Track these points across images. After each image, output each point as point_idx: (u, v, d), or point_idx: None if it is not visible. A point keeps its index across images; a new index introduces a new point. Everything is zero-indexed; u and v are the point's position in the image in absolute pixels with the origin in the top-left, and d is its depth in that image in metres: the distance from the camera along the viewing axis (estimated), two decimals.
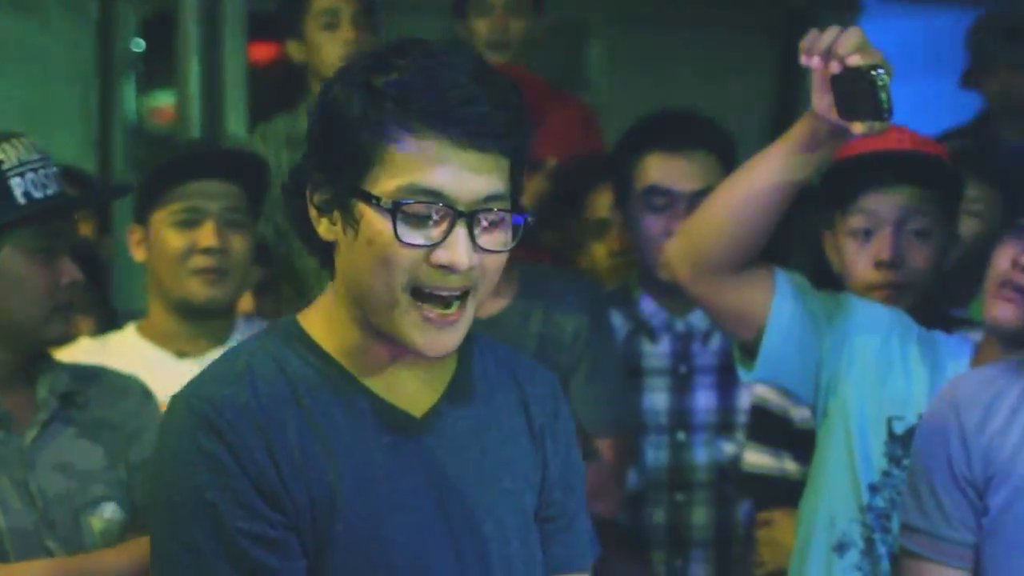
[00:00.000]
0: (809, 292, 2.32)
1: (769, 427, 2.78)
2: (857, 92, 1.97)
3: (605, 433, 2.70)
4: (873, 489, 2.31)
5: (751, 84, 5.64)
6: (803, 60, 2.03)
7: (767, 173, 2.16)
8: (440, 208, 1.55)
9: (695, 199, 2.70)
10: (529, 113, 1.62)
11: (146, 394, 2.43)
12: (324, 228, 1.61)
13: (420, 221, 1.55)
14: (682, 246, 2.29)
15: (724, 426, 2.90)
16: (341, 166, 1.57)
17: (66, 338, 2.32)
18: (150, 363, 2.63)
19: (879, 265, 2.44)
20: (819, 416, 2.37)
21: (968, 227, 2.73)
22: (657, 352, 2.92)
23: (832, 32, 2.00)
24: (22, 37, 4.95)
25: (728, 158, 2.85)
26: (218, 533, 1.55)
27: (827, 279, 2.60)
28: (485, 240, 1.58)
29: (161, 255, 2.66)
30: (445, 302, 1.58)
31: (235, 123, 3.75)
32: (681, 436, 2.90)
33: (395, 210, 1.54)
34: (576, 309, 2.73)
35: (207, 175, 2.65)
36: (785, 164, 2.15)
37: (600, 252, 3.35)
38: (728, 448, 2.88)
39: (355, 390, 1.63)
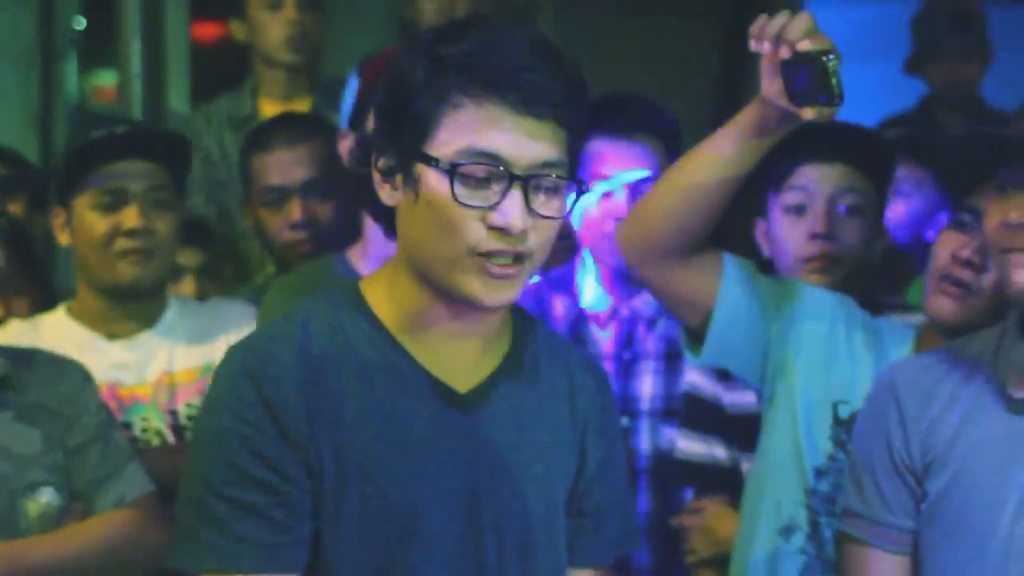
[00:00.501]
0: (757, 277, 2.34)
1: (700, 414, 2.78)
2: (808, 78, 1.97)
3: None
4: (819, 473, 2.32)
5: (697, 69, 5.65)
6: (752, 45, 2.03)
7: (716, 158, 2.17)
8: (497, 171, 1.61)
9: (638, 184, 2.70)
10: (587, 89, 1.69)
11: (85, 377, 2.41)
12: (387, 193, 1.69)
13: (477, 183, 1.62)
14: (631, 230, 2.29)
15: (667, 413, 2.89)
16: (404, 131, 1.64)
17: None
18: (80, 344, 2.62)
19: (813, 237, 2.47)
20: (765, 401, 2.38)
21: (897, 210, 2.76)
22: (602, 338, 2.91)
23: (782, 18, 2.00)
24: None
25: (672, 143, 2.84)
26: (230, 477, 1.63)
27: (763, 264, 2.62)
28: (540, 206, 1.64)
29: (85, 239, 2.63)
30: (503, 257, 1.64)
31: (177, 102, 3.72)
32: (625, 422, 2.89)
33: (453, 171, 1.61)
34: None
35: (127, 155, 2.62)
36: (734, 149, 2.15)
37: None
38: (671, 435, 2.88)
39: (403, 361, 1.70)
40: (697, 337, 2.32)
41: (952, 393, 1.99)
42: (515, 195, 1.62)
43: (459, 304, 1.68)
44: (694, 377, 2.78)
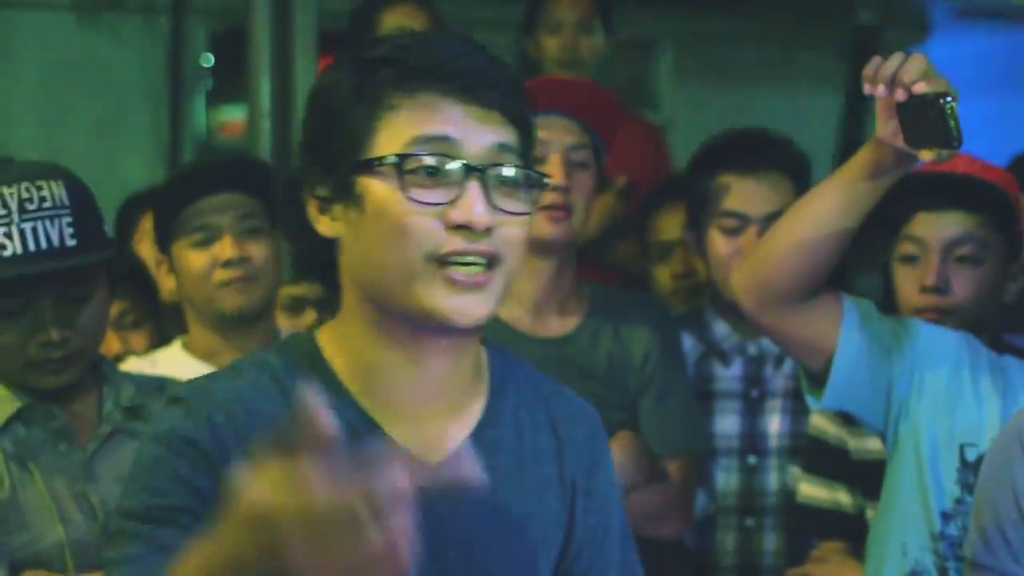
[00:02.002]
0: (876, 319, 2.30)
1: (825, 459, 2.74)
2: (924, 119, 1.95)
3: (673, 454, 2.67)
4: (946, 517, 2.27)
5: (820, 102, 5.61)
6: (867, 89, 2.02)
7: (832, 201, 2.14)
8: (450, 160, 1.45)
9: (768, 222, 2.66)
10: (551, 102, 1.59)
11: None
12: (326, 225, 1.51)
13: (430, 178, 1.45)
14: (747, 276, 2.26)
15: (795, 451, 2.86)
16: (339, 150, 1.48)
17: (67, 385, 2.25)
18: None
19: (924, 290, 2.41)
20: (889, 443, 2.34)
21: None
22: (728, 375, 2.89)
23: (896, 59, 1.98)
24: (94, 53, 5.00)
25: (802, 179, 2.82)
26: (152, 499, 1.45)
27: (891, 302, 2.57)
28: (501, 201, 1.48)
29: (187, 277, 2.68)
30: (470, 262, 1.46)
31: None
32: (752, 460, 2.87)
33: (401, 165, 1.45)
34: (646, 330, 2.71)
35: (213, 190, 2.66)
36: (850, 192, 2.13)
37: (664, 275, 3.33)
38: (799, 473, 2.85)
39: (365, 430, 1.49)
40: (818, 381, 2.28)
41: None
42: (473, 187, 1.45)
43: (421, 341, 1.49)
44: (819, 420, 2.74)
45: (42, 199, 2.16)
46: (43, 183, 2.17)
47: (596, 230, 3.36)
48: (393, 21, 3.62)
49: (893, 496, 2.33)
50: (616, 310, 2.71)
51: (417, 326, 1.48)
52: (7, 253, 2.13)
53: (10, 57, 4.89)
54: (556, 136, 2.55)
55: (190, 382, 1.57)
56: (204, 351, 2.73)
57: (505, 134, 1.49)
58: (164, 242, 2.72)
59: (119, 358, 2.82)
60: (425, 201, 1.45)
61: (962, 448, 2.27)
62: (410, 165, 1.45)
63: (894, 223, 2.45)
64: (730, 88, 5.64)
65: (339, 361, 1.53)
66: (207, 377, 1.57)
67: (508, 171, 1.48)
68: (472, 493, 1.43)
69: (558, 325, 2.64)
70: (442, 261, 1.45)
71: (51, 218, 2.17)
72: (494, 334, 2.57)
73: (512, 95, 1.51)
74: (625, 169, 3.47)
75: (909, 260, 2.44)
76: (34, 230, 2.14)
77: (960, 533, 2.23)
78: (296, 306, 3.21)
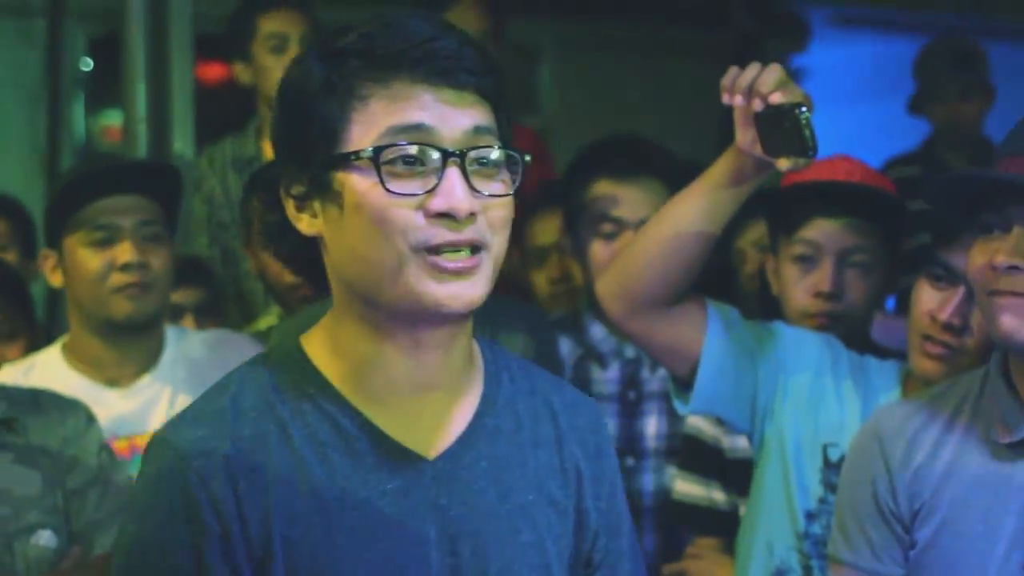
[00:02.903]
0: (741, 323, 2.33)
1: (700, 457, 2.77)
2: (781, 129, 1.98)
3: None
4: (810, 516, 2.31)
5: (700, 109, 5.67)
6: (725, 99, 2.05)
7: (694, 209, 2.17)
8: (427, 148, 1.43)
9: (643, 226, 2.70)
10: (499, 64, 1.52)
11: (88, 419, 2.40)
12: (306, 223, 1.49)
13: (408, 169, 1.43)
14: (612, 283, 2.28)
15: (672, 452, 2.88)
16: (313, 145, 1.46)
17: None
18: (77, 395, 2.54)
19: (818, 295, 2.44)
20: (756, 445, 2.37)
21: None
22: (606, 378, 2.91)
23: (753, 70, 2.02)
24: None
25: (677, 185, 2.82)
26: None
27: (767, 302, 2.61)
28: (482, 185, 1.45)
29: (79, 277, 2.60)
30: (456, 249, 1.44)
31: (182, 144, 3.72)
32: (630, 462, 2.89)
33: (378, 158, 1.43)
34: (522, 335, 2.72)
35: (116, 191, 2.59)
36: (711, 199, 2.16)
37: (541, 279, 3.34)
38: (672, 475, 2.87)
39: (358, 427, 1.47)
40: (685, 386, 2.31)
41: (937, 440, 1.98)
42: (453, 173, 1.43)
43: (415, 331, 1.47)
44: (695, 419, 2.77)
45: None
46: None
47: None
48: (271, 26, 3.60)
49: (759, 496, 2.37)
50: (492, 316, 2.71)
51: (410, 318, 1.46)
52: None
53: None
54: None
55: (182, 423, 1.49)
56: (87, 360, 2.66)
57: (480, 115, 1.46)
58: (55, 236, 2.64)
59: None
60: (404, 192, 1.42)
61: (825, 448, 2.31)
62: (387, 157, 1.43)
63: (788, 225, 2.48)
64: (609, 95, 5.67)
65: (330, 365, 1.50)
66: (199, 406, 1.51)
67: (486, 153, 1.46)
68: (475, 485, 1.50)
69: None
70: (427, 252, 1.43)
71: None
72: None
73: (484, 74, 1.47)
74: None
75: (802, 262, 2.46)
76: None
77: (824, 532, 2.27)
78: (174, 313, 3.17)
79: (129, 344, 2.66)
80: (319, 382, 1.49)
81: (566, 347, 2.92)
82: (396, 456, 1.47)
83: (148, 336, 2.68)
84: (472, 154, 1.45)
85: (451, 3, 3.78)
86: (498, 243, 1.48)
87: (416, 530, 1.46)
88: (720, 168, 2.14)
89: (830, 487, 2.28)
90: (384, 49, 1.44)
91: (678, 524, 2.84)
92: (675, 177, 2.88)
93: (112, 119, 5.20)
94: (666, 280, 2.21)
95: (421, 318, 1.46)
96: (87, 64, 5.18)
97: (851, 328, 2.47)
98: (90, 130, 5.32)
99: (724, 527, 2.68)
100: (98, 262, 2.58)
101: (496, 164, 1.47)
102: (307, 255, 1.53)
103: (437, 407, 1.51)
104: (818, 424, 2.31)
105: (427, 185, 1.43)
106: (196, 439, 1.44)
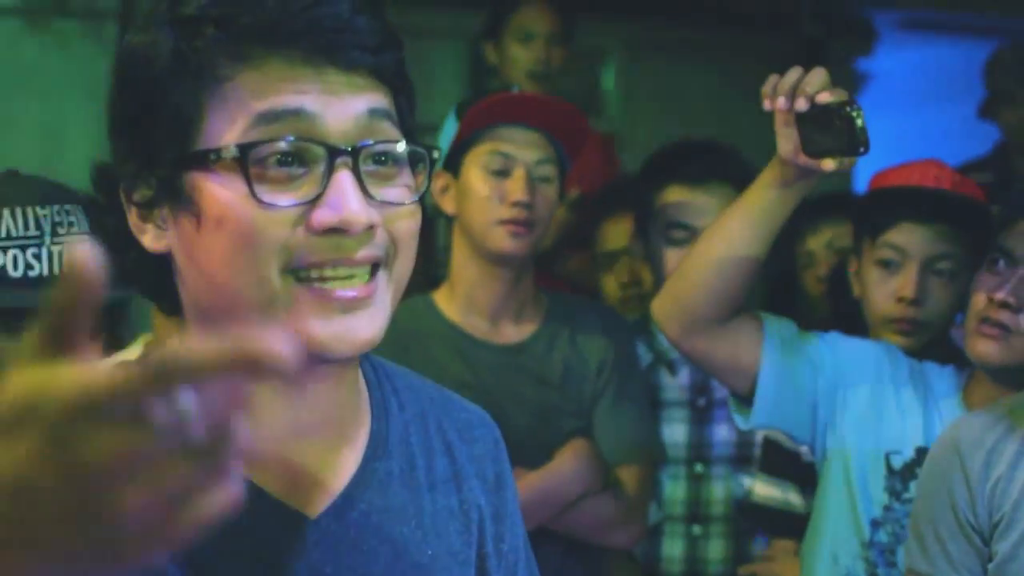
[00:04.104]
0: (797, 337, 2.33)
1: (778, 460, 2.77)
2: (828, 129, 1.98)
3: (628, 463, 2.69)
4: (875, 524, 2.30)
5: (765, 114, 5.65)
6: (766, 105, 2.05)
7: (742, 224, 2.18)
8: (308, 145, 1.11)
9: (694, 244, 2.71)
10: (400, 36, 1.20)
11: None
12: (151, 238, 1.18)
13: (283, 170, 1.12)
14: (667, 304, 2.28)
15: (742, 459, 2.88)
16: (159, 138, 1.14)
17: None
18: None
19: (900, 300, 2.43)
20: (818, 455, 2.37)
21: None
22: (676, 384, 2.91)
23: (795, 73, 2.02)
24: (41, 59, 4.97)
25: None
26: None
27: (845, 302, 2.60)
28: (380, 189, 1.15)
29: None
30: (349, 275, 1.14)
31: None
32: (699, 468, 2.89)
33: (244, 157, 1.10)
34: (602, 338, 2.72)
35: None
36: (758, 211, 2.17)
37: (611, 284, 3.34)
38: (746, 481, 2.87)
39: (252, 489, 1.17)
40: (745, 401, 2.31)
41: (1018, 451, 1.97)
42: (343, 176, 1.12)
43: (290, 380, 1.07)
44: None
45: (70, 224, 2.06)
46: (71, 208, 2.08)
47: (549, 242, 3.38)
48: None
49: (823, 506, 2.36)
50: (572, 318, 2.73)
51: None
52: (33, 273, 2.03)
53: None
54: (521, 150, 2.56)
55: None
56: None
57: (376, 98, 1.16)
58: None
59: None
60: (279, 204, 1.11)
61: (888, 456, 2.31)
62: (255, 155, 1.10)
63: (875, 228, 2.48)
64: (674, 99, 5.66)
65: None
66: None
67: (386, 148, 1.16)
68: (364, 545, 1.23)
69: (514, 332, 2.65)
70: (310, 277, 1.13)
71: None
72: (452, 341, 2.59)
73: (382, 49, 1.16)
74: (577, 180, 3.48)
75: (886, 266, 2.46)
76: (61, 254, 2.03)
77: (890, 539, 2.27)
78: None
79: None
80: None
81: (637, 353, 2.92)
82: (274, 516, 1.19)
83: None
84: (366, 150, 1.14)
85: (520, 4, 3.79)
86: (402, 262, 1.18)
87: None
88: (764, 180, 2.15)
89: (894, 495, 2.28)
90: (252, 17, 1.11)
91: (755, 527, 2.84)
92: (745, 182, 2.88)
93: None
94: (719, 297, 2.21)
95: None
96: None
97: (933, 335, 2.46)
98: None
99: (799, 530, 2.68)
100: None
101: (397, 162, 1.17)
102: (151, 271, 1.20)
103: (319, 455, 1.23)
104: (880, 433, 2.31)
105: (310, 192, 1.12)
106: None
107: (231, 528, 0.89)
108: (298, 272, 1.13)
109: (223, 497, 0.73)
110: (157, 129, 1.14)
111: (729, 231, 2.19)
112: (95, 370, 0.69)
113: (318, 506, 1.22)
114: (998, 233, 2.20)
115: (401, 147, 1.17)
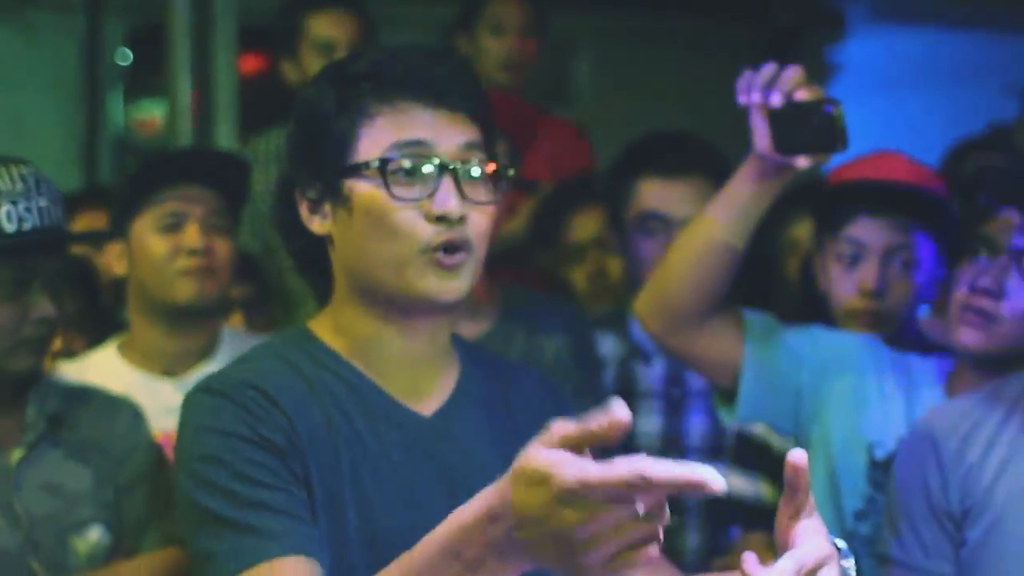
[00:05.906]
0: (779, 330, 2.34)
1: (749, 452, 2.78)
2: (805, 125, 1.99)
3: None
4: (858, 515, 2.31)
5: (736, 104, 5.65)
6: (740, 100, 2.06)
7: (720, 220, 2.19)
8: (426, 160, 1.65)
9: (674, 242, 2.70)
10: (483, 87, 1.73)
11: (136, 415, 2.41)
12: (317, 224, 1.70)
13: (409, 178, 1.64)
14: (649, 301, 2.30)
15: (716, 450, 2.88)
16: (326, 156, 1.67)
17: (33, 370, 2.27)
18: (131, 388, 2.56)
19: (863, 293, 2.44)
20: (801, 447, 2.37)
21: None
22: (650, 375, 2.91)
23: (770, 69, 2.03)
24: (8, 48, 4.93)
25: (722, 182, 2.83)
26: (228, 498, 1.56)
27: (813, 299, 2.60)
28: (472, 193, 1.66)
29: (145, 261, 2.63)
30: (455, 248, 1.65)
31: (225, 136, 3.72)
32: (673, 459, 2.89)
33: (383, 169, 1.64)
34: (558, 332, 2.73)
35: (187, 179, 2.64)
36: (734, 207, 2.18)
37: (579, 276, 3.33)
38: (720, 472, 2.87)
39: (369, 390, 1.69)
40: (729, 396, 2.32)
41: (990, 438, 1.98)
42: (447, 182, 1.65)
43: (409, 318, 1.68)
44: None
45: (48, 181, 2.22)
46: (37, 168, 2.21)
47: (522, 234, 3.37)
48: (320, 29, 3.58)
49: None
50: (529, 312, 2.72)
51: (406, 306, 1.67)
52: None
53: None
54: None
55: (217, 374, 1.69)
56: (144, 352, 2.69)
57: (472, 133, 1.68)
58: (122, 223, 2.66)
59: (57, 354, 2.77)
60: (407, 199, 1.64)
61: (870, 448, 2.31)
62: (391, 167, 1.64)
63: (834, 223, 2.49)
64: (645, 88, 5.66)
65: (335, 341, 1.71)
66: (228, 367, 1.72)
67: (477, 167, 1.67)
68: (465, 437, 1.72)
69: (471, 327, 2.64)
70: (430, 251, 1.64)
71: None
72: None
73: (476, 98, 1.70)
74: (550, 171, 3.48)
75: (847, 260, 2.47)
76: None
77: (873, 531, 2.27)
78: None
79: (188, 332, 2.68)
80: (330, 354, 1.71)
81: (610, 345, 2.92)
82: (400, 413, 1.70)
83: (207, 325, 2.71)
84: (463, 167, 1.66)
85: None
86: (480, 247, 1.68)
87: (422, 475, 1.67)
88: (741, 175, 2.17)
89: (877, 486, 2.28)
90: (390, 74, 1.67)
91: (727, 520, 2.84)
92: (722, 175, 2.88)
93: (149, 112, 5.22)
94: (700, 293, 2.23)
95: (415, 307, 1.67)
96: (125, 57, 5.19)
97: (897, 326, 2.46)
98: (127, 122, 5.33)
99: (771, 522, 2.68)
100: (165, 246, 2.62)
101: (483, 177, 1.67)
102: (313, 253, 1.73)
103: (428, 376, 1.73)
104: (862, 424, 2.31)
105: (425, 192, 1.64)
106: (239, 379, 1.63)
107: (373, 420, 1.66)
108: (427, 251, 1.64)
109: (650, 551, 1.23)
110: (324, 151, 1.67)
111: (706, 228, 2.20)
112: (589, 469, 1.19)
113: (430, 410, 1.72)
114: (977, 224, 2.20)
115: (487, 168, 1.68)
